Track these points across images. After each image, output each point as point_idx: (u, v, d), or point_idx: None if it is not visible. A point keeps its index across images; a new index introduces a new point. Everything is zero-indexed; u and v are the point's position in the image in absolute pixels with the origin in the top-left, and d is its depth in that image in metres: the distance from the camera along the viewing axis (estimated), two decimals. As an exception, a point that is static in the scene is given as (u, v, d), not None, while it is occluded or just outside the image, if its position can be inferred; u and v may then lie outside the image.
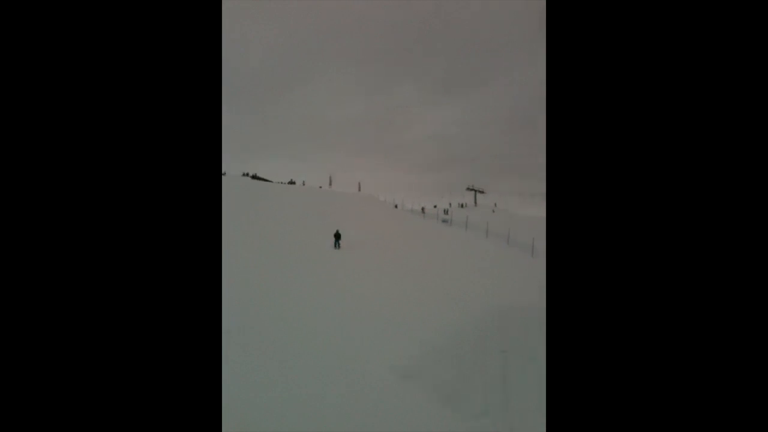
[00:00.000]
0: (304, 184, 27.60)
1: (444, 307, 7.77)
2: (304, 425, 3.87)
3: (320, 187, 28.12)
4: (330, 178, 32.35)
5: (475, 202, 54.31)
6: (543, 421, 3.40)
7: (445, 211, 36.91)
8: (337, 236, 16.28)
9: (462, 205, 50.17)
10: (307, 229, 17.67)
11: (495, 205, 52.64)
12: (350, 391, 4.58)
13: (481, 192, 56.39)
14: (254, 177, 30.23)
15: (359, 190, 32.59)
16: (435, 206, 44.84)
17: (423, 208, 38.31)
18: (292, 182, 26.91)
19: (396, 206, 35.11)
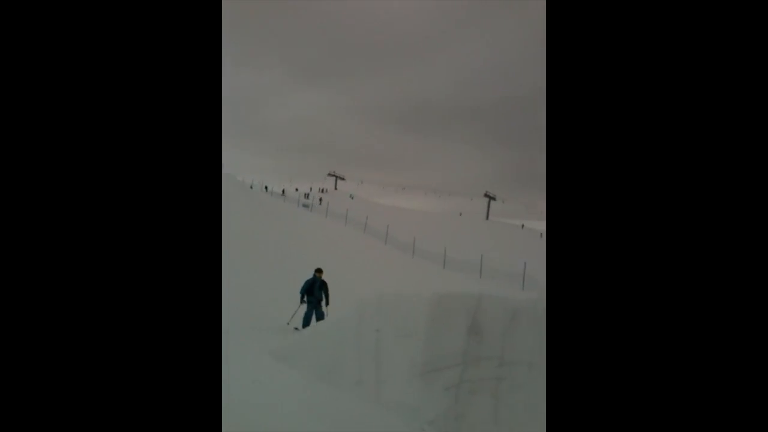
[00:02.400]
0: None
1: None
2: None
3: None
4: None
5: (336, 188, 55.16)
6: (408, 387, 4.18)
7: (306, 196, 37.09)
8: (319, 292, 7.84)
9: (322, 190, 50.55)
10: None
11: (350, 195, 54.14)
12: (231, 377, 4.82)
13: (342, 179, 57.52)
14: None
15: (217, 167, 30.81)
16: (296, 189, 44.52)
17: (283, 190, 37.85)
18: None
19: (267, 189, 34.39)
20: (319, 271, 8.13)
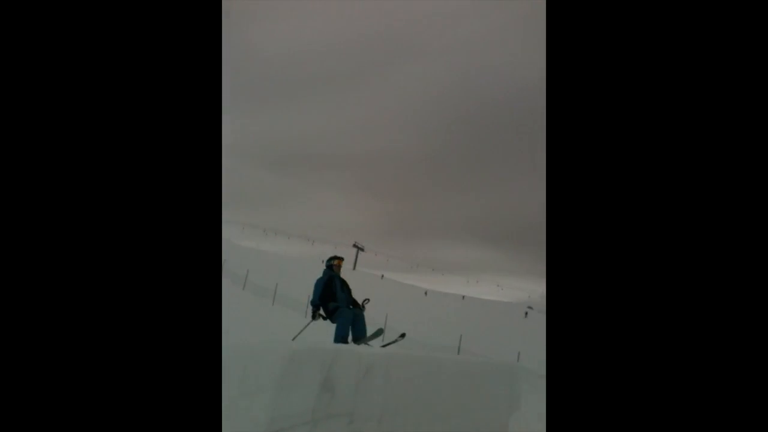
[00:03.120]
0: None
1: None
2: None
3: None
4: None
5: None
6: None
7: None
8: (342, 293, 5.21)
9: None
10: None
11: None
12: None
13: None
14: None
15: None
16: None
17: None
18: None
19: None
20: (337, 258, 5.31)
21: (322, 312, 5.19)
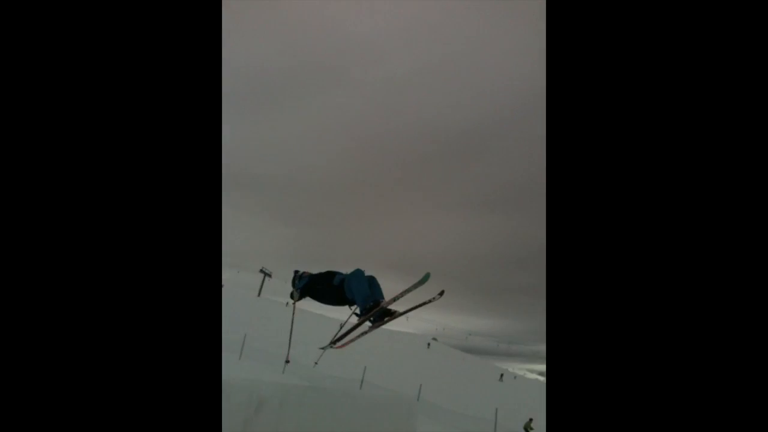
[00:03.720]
0: None
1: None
2: None
3: None
4: None
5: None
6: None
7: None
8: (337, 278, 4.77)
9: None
10: None
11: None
12: None
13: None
14: None
15: None
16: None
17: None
18: None
19: None
20: (303, 271, 5.16)
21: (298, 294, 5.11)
